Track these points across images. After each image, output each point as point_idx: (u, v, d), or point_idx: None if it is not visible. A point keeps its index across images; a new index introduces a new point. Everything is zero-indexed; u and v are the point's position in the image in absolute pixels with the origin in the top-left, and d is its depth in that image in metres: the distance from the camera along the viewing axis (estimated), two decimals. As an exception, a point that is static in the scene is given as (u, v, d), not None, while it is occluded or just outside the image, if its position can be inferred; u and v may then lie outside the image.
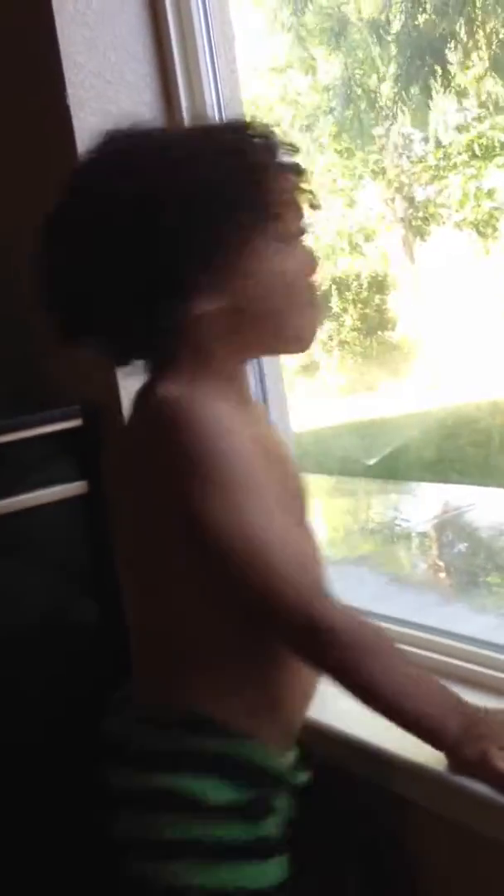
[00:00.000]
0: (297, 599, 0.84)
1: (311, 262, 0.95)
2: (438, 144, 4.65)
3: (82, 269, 0.89)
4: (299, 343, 0.96)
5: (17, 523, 1.42)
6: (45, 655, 1.41)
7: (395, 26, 4.19)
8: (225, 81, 1.43)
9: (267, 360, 1.44)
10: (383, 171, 5.11)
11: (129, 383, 1.35)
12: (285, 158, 0.92)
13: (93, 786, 0.99)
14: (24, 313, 1.58)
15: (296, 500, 0.98)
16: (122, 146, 0.93)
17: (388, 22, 4.20)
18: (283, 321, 0.92)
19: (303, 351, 0.98)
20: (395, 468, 3.57)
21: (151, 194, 0.85)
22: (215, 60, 1.42)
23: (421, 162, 4.76)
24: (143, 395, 0.94)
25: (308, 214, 0.94)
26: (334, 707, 1.07)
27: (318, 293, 0.97)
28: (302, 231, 0.93)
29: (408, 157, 4.97)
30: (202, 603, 0.91)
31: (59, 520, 1.45)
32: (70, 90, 1.35)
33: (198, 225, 0.85)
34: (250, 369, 1.35)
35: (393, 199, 5.17)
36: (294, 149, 0.94)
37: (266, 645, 0.93)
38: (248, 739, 0.93)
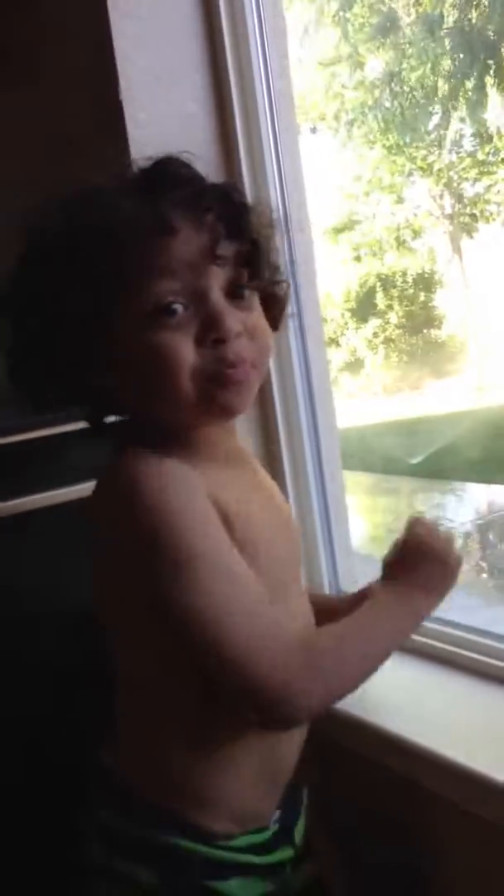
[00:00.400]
0: (253, 683, 0.77)
1: (171, 344, 0.79)
2: (488, 140, 4.60)
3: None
4: (209, 416, 0.83)
5: (43, 521, 1.43)
6: (65, 655, 1.41)
7: (449, 21, 4.16)
8: (276, 75, 1.42)
9: (312, 357, 1.44)
10: (431, 167, 5.08)
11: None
12: (172, 217, 0.78)
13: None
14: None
15: (280, 565, 0.90)
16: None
17: (442, 17, 4.17)
18: (164, 404, 0.82)
19: (224, 421, 0.87)
20: (440, 467, 3.54)
21: (14, 290, 0.83)
22: (267, 54, 1.42)
23: (470, 157, 4.72)
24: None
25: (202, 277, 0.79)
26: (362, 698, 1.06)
27: (210, 370, 0.80)
28: (167, 305, 0.78)
29: (456, 153, 4.93)
30: (160, 675, 0.86)
31: (81, 517, 1.46)
32: (123, 85, 1.36)
33: (46, 316, 0.80)
34: (271, 391, 1.35)
35: (441, 196, 5.13)
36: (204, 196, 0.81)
37: (219, 728, 0.87)
38: (187, 829, 0.87)
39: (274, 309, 0.90)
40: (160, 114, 1.39)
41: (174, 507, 0.78)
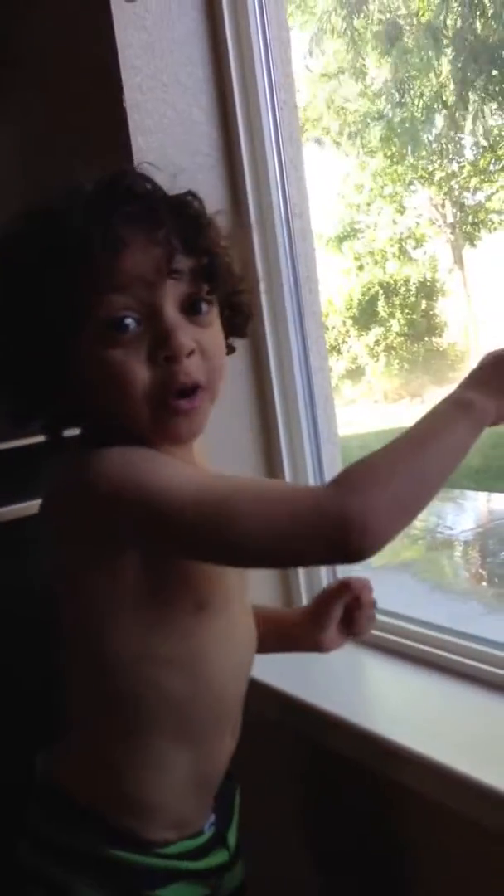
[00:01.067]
0: (302, 522, 0.74)
1: (124, 362, 0.78)
2: (490, 149, 4.61)
3: None
4: (162, 438, 0.82)
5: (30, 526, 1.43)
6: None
7: (451, 31, 4.17)
8: (280, 86, 1.43)
9: (313, 364, 1.45)
10: (432, 176, 5.09)
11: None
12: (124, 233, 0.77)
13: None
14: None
15: (227, 577, 0.89)
16: None
17: (445, 27, 4.19)
18: (124, 420, 0.81)
19: (181, 443, 0.85)
20: (440, 475, 3.52)
21: None
22: (271, 65, 1.43)
23: (473, 165, 4.73)
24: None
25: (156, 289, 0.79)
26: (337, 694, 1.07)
27: (170, 389, 0.79)
28: (118, 320, 0.78)
29: (458, 162, 4.94)
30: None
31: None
32: (127, 93, 1.37)
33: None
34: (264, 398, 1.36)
35: (443, 204, 5.14)
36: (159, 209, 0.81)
37: (154, 735, 0.86)
38: (127, 839, 0.86)
39: (238, 317, 0.90)
40: (165, 122, 1.40)
41: (153, 461, 0.79)
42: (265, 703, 1.13)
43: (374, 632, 1.24)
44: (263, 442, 1.40)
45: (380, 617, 1.26)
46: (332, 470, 1.37)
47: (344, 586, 1.02)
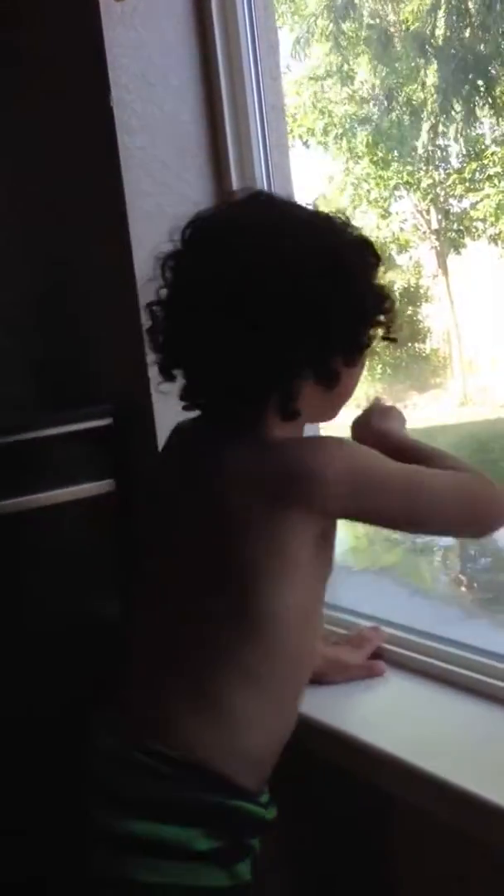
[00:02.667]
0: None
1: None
2: (475, 157, 4.63)
3: (232, 329, 0.90)
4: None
5: (43, 520, 1.43)
6: (65, 653, 1.41)
7: (439, 39, 4.19)
8: (268, 88, 1.43)
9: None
10: (418, 183, 5.10)
11: (163, 387, 1.36)
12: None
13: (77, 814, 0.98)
14: (73, 315, 1.61)
15: None
16: (283, 219, 0.95)
17: (433, 34, 4.20)
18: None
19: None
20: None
21: (343, 279, 0.92)
22: (259, 67, 1.43)
23: (458, 174, 4.75)
24: (239, 436, 0.97)
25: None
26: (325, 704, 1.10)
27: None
28: (369, 346, 0.99)
29: (444, 170, 4.96)
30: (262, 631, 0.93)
31: (85, 517, 1.46)
32: (114, 92, 1.36)
33: (354, 319, 0.95)
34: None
35: (428, 211, 5.16)
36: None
37: (286, 687, 0.96)
38: (244, 791, 0.93)
39: None
40: (152, 121, 1.39)
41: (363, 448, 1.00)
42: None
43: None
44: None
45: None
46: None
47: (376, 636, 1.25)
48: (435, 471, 1.00)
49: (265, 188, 1.40)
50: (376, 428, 1.08)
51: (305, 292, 0.89)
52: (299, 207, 0.99)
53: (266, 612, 0.92)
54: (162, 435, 1.35)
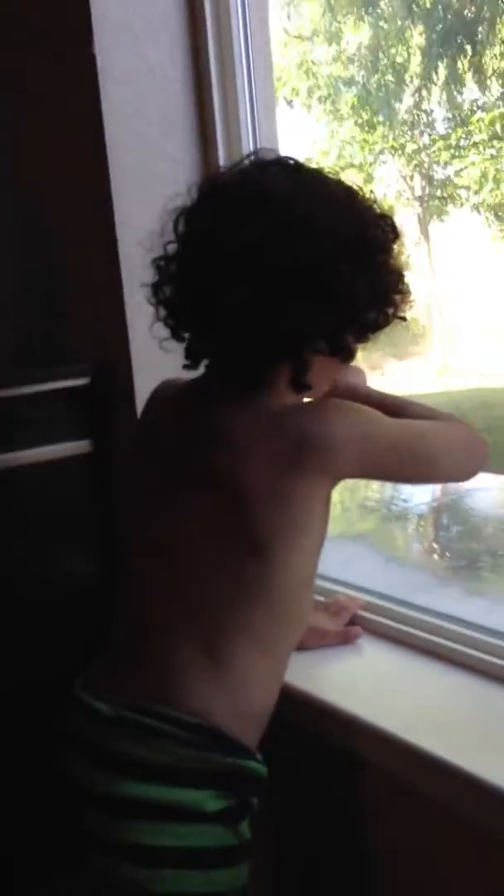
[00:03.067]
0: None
1: None
2: (461, 123, 4.59)
3: (257, 295, 0.89)
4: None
5: (19, 479, 1.41)
6: (44, 615, 1.40)
7: (428, 2, 4.12)
8: (255, 44, 1.40)
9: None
10: (403, 148, 5.05)
11: (141, 345, 1.34)
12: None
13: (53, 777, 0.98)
14: (51, 273, 1.58)
15: None
16: (314, 188, 0.95)
17: (420, -4, 4.14)
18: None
19: None
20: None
21: (375, 246, 0.96)
22: (248, 23, 1.40)
23: (443, 140, 4.70)
24: (243, 400, 0.97)
25: None
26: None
27: None
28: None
29: (429, 135, 4.90)
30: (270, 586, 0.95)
31: (62, 477, 1.44)
32: (97, 38, 1.32)
33: (382, 293, 0.98)
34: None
35: (412, 177, 5.11)
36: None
37: (285, 647, 0.99)
38: (248, 750, 0.95)
39: None
40: (135, 72, 1.36)
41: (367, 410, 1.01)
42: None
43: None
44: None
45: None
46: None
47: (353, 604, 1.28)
48: (424, 422, 1.04)
49: (251, 146, 1.37)
50: (344, 384, 1.08)
51: (336, 264, 0.90)
52: (326, 177, 0.98)
53: (276, 575, 0.94)
54: (140, 397, 1.34)
